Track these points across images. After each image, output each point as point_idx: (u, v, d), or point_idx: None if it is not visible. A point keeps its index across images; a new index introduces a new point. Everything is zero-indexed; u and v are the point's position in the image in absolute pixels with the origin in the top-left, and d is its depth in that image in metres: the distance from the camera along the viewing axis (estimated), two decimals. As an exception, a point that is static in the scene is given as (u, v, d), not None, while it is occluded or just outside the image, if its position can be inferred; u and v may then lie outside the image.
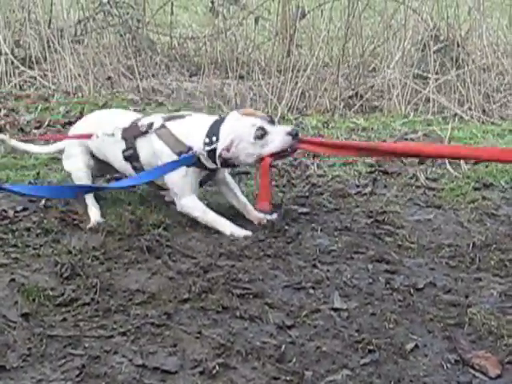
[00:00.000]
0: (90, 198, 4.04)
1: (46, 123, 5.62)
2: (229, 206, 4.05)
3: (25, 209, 4.03)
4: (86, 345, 2.86)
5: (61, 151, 4.38)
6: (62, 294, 3.18)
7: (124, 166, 4.06)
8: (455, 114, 6.40)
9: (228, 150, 3.73)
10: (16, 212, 3.98)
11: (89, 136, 4.12)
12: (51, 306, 3.11)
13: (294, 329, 3.02)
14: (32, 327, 2.95)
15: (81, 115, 5.45)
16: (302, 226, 3.94)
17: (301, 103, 6.50)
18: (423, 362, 2.85)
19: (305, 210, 4.15)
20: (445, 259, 3.65)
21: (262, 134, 3.72)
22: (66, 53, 6.78)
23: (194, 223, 3.88)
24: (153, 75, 7.14)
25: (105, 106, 6.04)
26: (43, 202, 4.09)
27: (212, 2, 7.15)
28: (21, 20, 7.35)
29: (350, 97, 6.75)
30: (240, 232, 3.80)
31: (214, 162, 3.81)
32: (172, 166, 3.81)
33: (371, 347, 2.90)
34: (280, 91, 6.50)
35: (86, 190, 3.99)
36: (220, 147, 3.74)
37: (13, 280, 3.29)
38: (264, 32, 8.04)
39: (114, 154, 4.06)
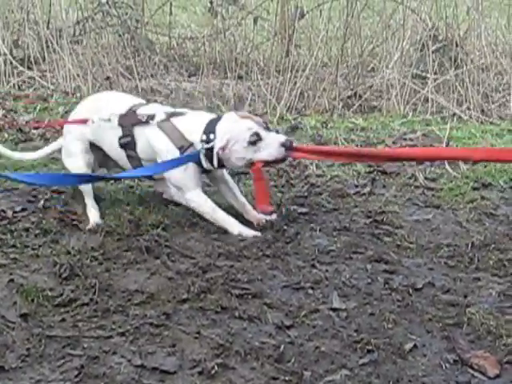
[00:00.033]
0: (89, 199, 4.04)
1: (45, 124, 5.61)
2: (227, 205, 4.04)
3: (24, 209, 4.02)
4: (85, 345, 2.86)
5: (54, 151, 4.39)
6: (61, 295, 3.18)
7: (119, 154, 4.04)
8: (454, 114, 6.40)
9: (223, 149, 3.73)
10: (15, 212, 3.98)
11: (84, 121, 4.09)
12: (50, 306, 3.11)
13: (293, 329, 3.02)
14: (31, 328, 2.96)
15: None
16: (301, 226, 3.94)
17: (299, 103, 6.50)
18: (422, 361, 2.86)
19: (304, 210, 4.15)
20: (443, 259, 3.66)
21: (255, 140, 3.72)
22: (64, 53, 6.77)
23: (192, 223, 3.88)
24: (151, 75, 7.13)
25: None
26: (42, 202, 4.09)
27: (211, 2, 7.14)
28: (19, 20, 7.33)
29: (349, 97, 6.74)
30: (248, 232, 3.81)
31: (210, 163, 3.81)
32: (179, 162, 3.81)
33: (370, 347, 2.90)
34: (279, 91, 6.50)
35: (87, 178, 3.97)
36: (217, 146, 3.74)
37: (11, 280, 3.29)
38: (263, 32, 8.03)
39: (110, 140, 4.03)
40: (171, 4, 7.63)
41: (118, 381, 2.67)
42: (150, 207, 4.06)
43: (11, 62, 6.89)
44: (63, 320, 3.02)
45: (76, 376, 2.69)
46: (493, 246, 3.78)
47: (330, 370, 2.78)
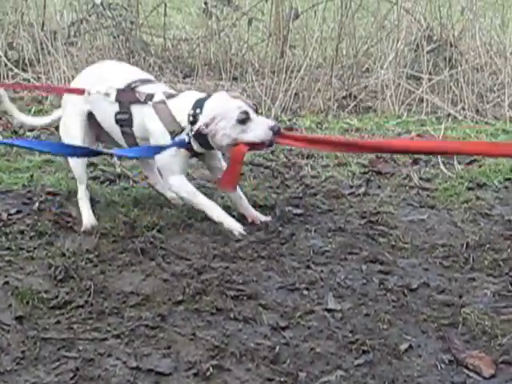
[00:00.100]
0: (84, 202, 4.01)
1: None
2: (227, 205, 4.03)
3: (18, 211, 4.02)
4: (80, 347, 2.86)
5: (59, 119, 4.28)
6: (56, 297, 3.18)
7: (114, 129, 3.99)
8: (449, 114, 6.40)
9: (207, 125, 3.69)
10: (10, 215, 3.98)
11: (82, 92, 4.03)
12: (45, 308, 3.11)
13: (288, 330, 3.02)
14: (26, 330, 2.95)
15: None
16: (296, 227, 3.94)
17: (294, 104, 6.50)
18: (417, 362, 2.86)
19: (299, 211, 4.15)
20: (438, 259, 3.66)
21: (244, 119, 3.68)
22: (59, 55, 6.76)
23: (187, 225, 3.87)
24: (146, 77, 7.12)
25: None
26: (37, 204, 4.09)
27: (205, 4, 7.15)
28: (14, 22, 7.33)
29: (344, 97, 6.74)
30: (231, 222, 3.79)
31: (200, 145, 3.78)
32: (171, 146, 3.78)
33: (365, 348, 2.90)
34: (274, 92, 6.50)
35: (87, 152, 3.93)
36: (202, 121, 3.71)
37: (6, 283, 3.29)
38: (257, 33, 8.03)
39: (106, 114, 3.97)
40: (166, 5, 7.63)
41: (113, 383, 2.67)
42: (145, 209, 4.06)
43: (6, 64, 6.88)
44: (58, 322, 3.02)
45: (71, 378, 2.68)
46: (488, 246, 3.79)
47: (326, 371, 2.78)
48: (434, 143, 4.64)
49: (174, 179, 3.87)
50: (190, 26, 8.63)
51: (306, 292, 3.31)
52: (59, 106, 4.29)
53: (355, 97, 6.73)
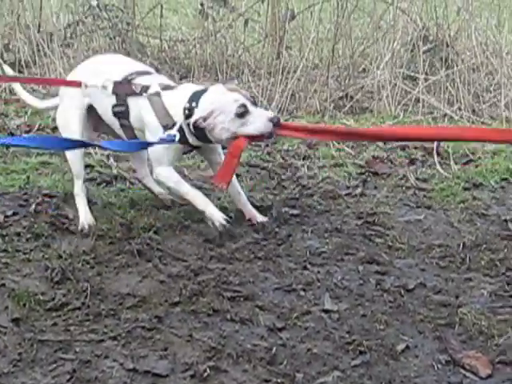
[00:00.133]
0: (81, 198, 4.01)
1: (36, 127, 5.60)
2: (219, 204, 4.03)
3: (15, 213, 4.02)
4: (77, 349, 2.86)
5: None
6: (53, 299, 3.18)
7: (112, 121, 3.98)
8: (445, 115, 6.40)
9: (205, 119, 3.66)
10: (6, 217, 3.98)
11: (79, 84, 4.02)
12: (42, 310, 3.11)
13: (285, 331, 3.02)
14: (22, 332, 2.95)
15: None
16: (293, 228, 3.94)
17: (291, 105, 6.49)
18: (414, 362, 2.86)
19: (295, 211, 4.15)
20: (435, 260, 3.66)
21: (243, 112, 3.66)
22: (55, 56, 6.75)
23: (184, 226, 3.87)
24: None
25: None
26: (33, 206, 4.09)
27: (201, 5, 7.14)
28: (10, 24, 7.32)
29: (340, 98, 6.73)
30: (213, 211, 3.78)
31: (197, 138, 3.78)
32: (157, 144, 3.76)
33: (362, 348, 2.91)
34: (270, 93, 6.49)
35: (79, 144, 3.88)
36: (198, 114, 3.69)
37: (3, 285, 3.28)
38: (253, 34, 8.02)
39: (104, 106, 3.97)
40: (162, 7, 7.61)
41: (110, 385, 2.68)
42: (142, 210, 4.06)
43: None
44: (55, 324, 3.02)
45: (68, 380, 2.68)
46: (484, 246, 3.79)
47: (322, 372, 2.78)
48: (435, 130, 4.63)
49: (162, 169, 3.86)
50: (186, 27, 8.62)
51: (302, 293, 3.31)
52: (56, 108, 4.26)
53: (351, 97, 6.73)
